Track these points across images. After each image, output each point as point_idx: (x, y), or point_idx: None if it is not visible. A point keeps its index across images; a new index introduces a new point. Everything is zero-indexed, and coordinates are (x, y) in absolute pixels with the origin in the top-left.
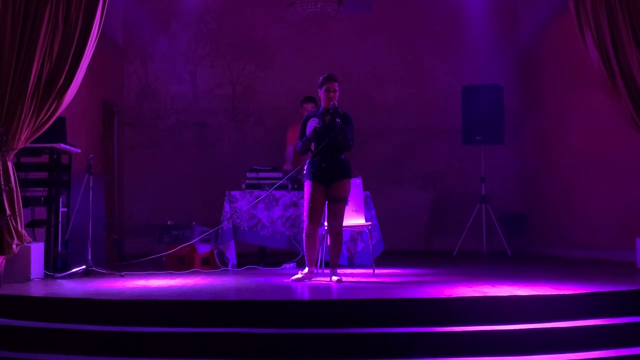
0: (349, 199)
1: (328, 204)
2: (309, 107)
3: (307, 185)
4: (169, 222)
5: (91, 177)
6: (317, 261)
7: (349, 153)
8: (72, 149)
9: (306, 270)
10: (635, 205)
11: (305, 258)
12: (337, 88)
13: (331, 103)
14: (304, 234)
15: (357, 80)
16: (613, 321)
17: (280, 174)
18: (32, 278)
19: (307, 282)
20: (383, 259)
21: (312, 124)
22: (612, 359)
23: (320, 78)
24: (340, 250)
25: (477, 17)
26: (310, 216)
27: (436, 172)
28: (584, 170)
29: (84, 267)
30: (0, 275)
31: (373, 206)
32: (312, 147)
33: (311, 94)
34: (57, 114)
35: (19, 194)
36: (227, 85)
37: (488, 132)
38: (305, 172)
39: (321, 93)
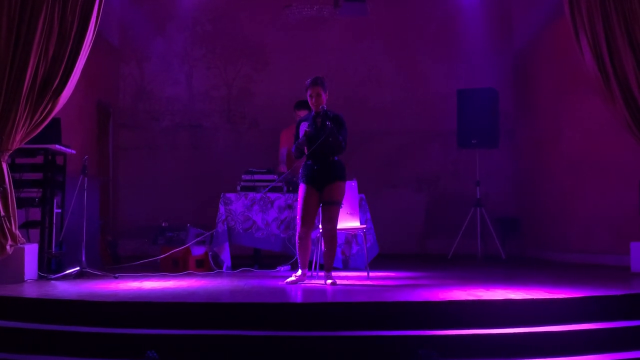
0: (343, 201)
1: (322, 207)
2: (302, 113)
3: (301, 188)
4: (163, 224)
5: (86, 178)
6: (312, 264)
7: (344, 155)
8: (67, 150)
9: (299, 272)
10: (629, 210)
11: (298, 261)
12: (320, 92)
13: (320, 106)
14: (296, 236)
15: (353, 83)
16: (607, 325)
17: (276, 177)
18: (25, 279)
19: (301, 284)
20: (377, 262)
21: (304, 127)
22: None
23: (307, 82)
24: (335, 253)
25: (472, 20)
26: (303, 219)
27: (431, 175)
28: (579, 174)
29: (77, 268)
30: None
31: (368, 209)
32: (305, 150)
33: (305, 98)
34: (52, 115)
35: (13, 194)
36: (223, 87)
37: (483, 135)
38: (300, 174)
39: (307, 97)
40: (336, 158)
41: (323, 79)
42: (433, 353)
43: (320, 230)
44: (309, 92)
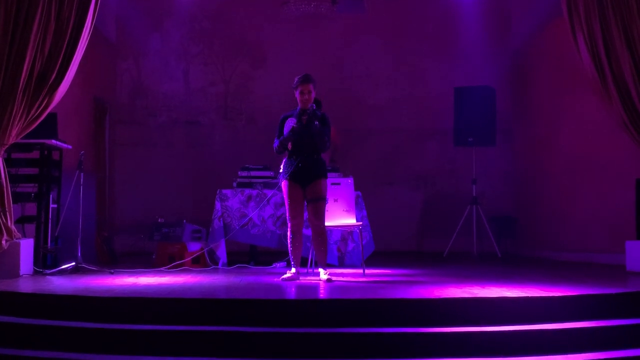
0: (340, 198)
1: (307, 204)
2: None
3: (284, 185)
4: (159, 220)
5: (82, 173)
6: (307, 260)
7: (340, 153)
8: (63, 145)
9: (293, 270)
10: (625, 209)
11: (290, 257)
12: (311, 89)
13: (309, 105)
14: (288, 232)
15: (350, 80)
16: (602, 323)
17: (272, 173)
18: (21, 274)
19: (297, 281)
20: (373, 259)
21: (290, 123)
22: None
23: (295, 79)
24: (327, 249)
25: (470, 19)
26: (292, 214)
27: (428, 173)
28: (575, 173)
29: (73, 263)
30: None
31: (364, 206)
32: (289, 146)
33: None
34: (49, 110)
35: (9, 189)
36: (220, 83)
37: (480, 133)
38: (281, 171)
39: (296, 94)
40: (321, 156)
41: (312, 76)
42: None
43: None
44: (299, 89)
